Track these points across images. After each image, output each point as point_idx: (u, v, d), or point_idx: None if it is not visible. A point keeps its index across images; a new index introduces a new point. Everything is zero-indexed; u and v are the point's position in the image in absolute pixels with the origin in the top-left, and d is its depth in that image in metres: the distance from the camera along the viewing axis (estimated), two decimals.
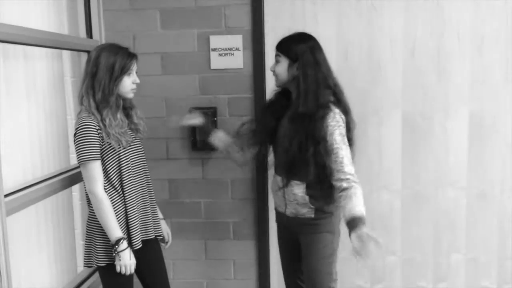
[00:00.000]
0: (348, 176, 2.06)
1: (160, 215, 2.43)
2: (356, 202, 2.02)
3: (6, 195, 1.94)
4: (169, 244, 2.48)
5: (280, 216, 2.36)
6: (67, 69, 2.76)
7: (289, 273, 2.46)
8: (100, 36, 2.80)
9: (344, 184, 2.05)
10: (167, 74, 2.87)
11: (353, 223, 1.97)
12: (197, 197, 2.95)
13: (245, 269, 3.01)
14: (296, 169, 2.17)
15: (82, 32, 2.77)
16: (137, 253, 2.20)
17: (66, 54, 2.74)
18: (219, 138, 2.47)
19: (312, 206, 2.19)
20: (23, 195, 2.10)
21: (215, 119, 2.84)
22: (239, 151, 2.43)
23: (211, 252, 3.01)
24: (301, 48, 2.14)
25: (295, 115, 2.14)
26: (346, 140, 2.12)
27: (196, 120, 2.51)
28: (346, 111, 2.18)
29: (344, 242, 2.33)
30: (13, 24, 2.05)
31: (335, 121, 2.10)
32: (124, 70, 2.13)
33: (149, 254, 2.32)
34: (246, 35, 2.80)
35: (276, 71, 2.21)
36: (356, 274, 2.96)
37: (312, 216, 2.20)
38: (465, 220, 2.89)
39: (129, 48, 2.20)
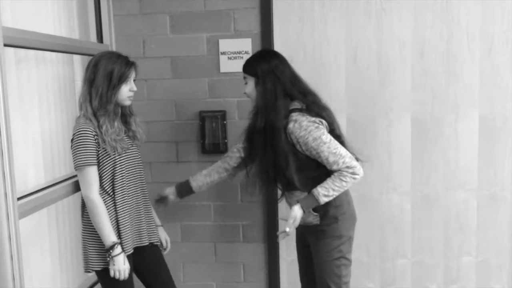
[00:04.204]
0: (340, 167, 2.11)
1: (158, 222, 2.45)
2: (326, 185, 2.11)
3: (19, 198, 1.96)
4: (167, 250, 2.48)
5: None
6: (78, 73, 2.78)
7: (305, 277, 2.47)
8: (111, 41, 2.83)
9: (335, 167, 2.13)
10: (177, 77, 2.89)
11: (306, 200, 2.15)
12: (206, 200, 2.96)
13: (255, 271, 3.01)
14: (281, 180, 2.23)
15: (93, 37, 2.80)
16: (136, 259, 2.23)
17: (77, 58, 2.76)
18: (205, 183, 2.48)
19: (316, 214, 2.21)
20: (36, 198, 2.12)
21: (225, 122, 2.85)
22: (226, 175, 2.47)
23: (221, 254, 3.02)
24: (261, 64, 2.19)
25: (255, 131, 2.19)
26: (325, 138, 2.11)
27: (171, 196, 2.49)
28: (319, 113, 2.17)
29: (355, 245, 2.34)
30: (25, 29, 2.07)
31: (303, 129, 2.10)
32: (122, 79, 2.14)
33: (149, 259, 2.33)
34: (255, 38, 2.81)
35: (246, 92, 2.26)
36: (366, 277, 2.96)
37: (318, 222, 2.22)
38: (476, 222, 2.88)
39: (129, 57, 2.20)
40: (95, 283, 2.70)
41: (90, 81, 2.12)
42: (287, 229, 2.16)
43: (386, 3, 2.76)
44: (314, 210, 2.20)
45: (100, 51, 2.23)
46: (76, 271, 2.78)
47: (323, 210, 2.20)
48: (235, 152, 2.44)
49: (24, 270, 1.88)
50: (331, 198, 2.14)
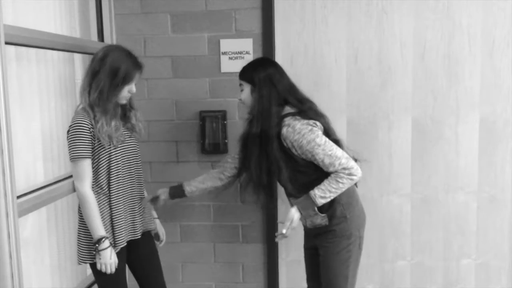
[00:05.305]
0: (336, 168, 2.10)
1: (154, 214, 2.47)
2: (323, 186, 2.11)
3: (18, 197, 1.96)
4: (163, 243, 2.50)
5: (304, 227, 2.40)
6: (79, 72, 2.78)
7: (311, 278, 2.47)
8: (112, 40, 2.83)
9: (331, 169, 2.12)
10: (178, 77, 2.89)
11: (303, 202, 2.14)
12: (206, 200, 2.95)
13: (254, 272, 3.01)
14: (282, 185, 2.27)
15: (94, 36, 2.80)
16: (130, 253, 2.25)
17: (78, 57, 2.76)
18: (197, 189, 2.48)
19: (323, 214, 2.21)
20: (35, 197, 2.12)
21: (225, 122, 2.85)
22: (220, 184, 2.47)
23: (220, 255, 3.02)
24: (258, 72, 2.21)
25: (249, 137, 2.20)
26: (319, 141, 2.10)
27: (163, 197, 2.46)
28: (314, 118, 2.18)
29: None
30: (26, 27, 2.07)
31: (297, 133, 2.11)
32: (126, 80, 2.11)
33: (143, 254, 2.35)
34: (256, 38, 2.81)
35: (242, 98, 2.28)
36: (365, 278, 2.95)
37: (327, 223, 2.22)
38: (476, 224, 2.88)
39: (138, 58, 2.18)
40: (94, 283, 2.70)
41: (93, 72, 2.10)
42: (284, 231, 2.16)
43: (387, 4, 2.76)
44: (321, 211, 2.20)
45: (110, 44, 2.20)
46: (75, 270, 2.78)
47: (331, 210, 2.20)
48: (230, 162, 2.45)
49: (23, 268, 1.87)
50: (328, 200, 2.13)
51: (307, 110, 2.20)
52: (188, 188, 2.46)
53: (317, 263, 2.33)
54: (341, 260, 2.23)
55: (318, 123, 2.17)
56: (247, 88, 2.24)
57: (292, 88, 2.24)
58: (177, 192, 2.47)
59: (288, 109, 2.19)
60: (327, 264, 2.26)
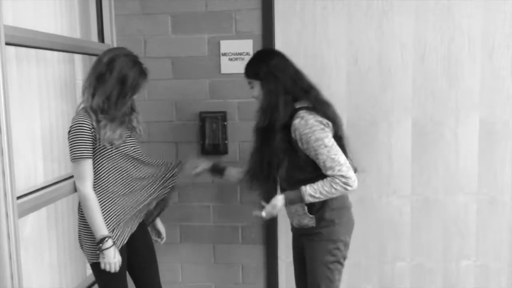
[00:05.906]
0: (334, 173, 2.10)
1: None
2: (316, 186, 2.09)
3: (18, 197, 1.96)
4: (164, 240, 2.51)
5: (291, 226, 2.40)
6: (79, 72, 2.78)
7: (299, 281, 2.47)
8: (112, 40, 2.83)
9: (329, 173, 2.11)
10: (178, 78, 2.89)
11: (292, 194, 2.14)
12: (206, 201, 2.96)
13: (254, 273, 3.01)
14: (279, 182, 2.27)
15: (94, 36, 2.80)
16: (129, 251, 2.27)
17: (78, 57, 2.76)
18: (232, 175, 2.51)
19: (311, 215, 2.21)
20: (35, 197, 2.12)
21: (225, 123, 2.85)
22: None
23: (220, 256, 3.02)
24: (262, 66, 2.20)
25: (257, 129, 2.22)
26: (327, 142, 2.10)
27: (202, 166, 2.53)
28: (325, 112, 2.18)
29: (352, 249, 2.34)
30: (27, 28, 2.07)
31: (308, 127, 2.10)
32: (136, 90, 2.13)
33: (142, 254, 2.36)
34: (257, 40, 2.81)
35: (255, 96, 2.26)
36: (364, 279, 2.96)
37: (314, 225, 2.22)
38: (475, 226, 2.88)
39: (143, 64, 2.19)
40: (94, 283, 2.70)
41: (99, 75, 2.10)
42: (264, 214, 2.18)
43: (388, 6, 2.76)
44: (310, 212, 2.20)
45: (116, 47, 2.20)
46: (75, 270, 2.78)
47: (320, 212, 2.20)
48: None
49: (23, 269, 1.87)
50: (316, 200, 2.13)
51: (315, 103, 2.18)
52: (227, 170, 2.51)
53: (304, 264, 2.33)
54: (326, 262, 2.22)
55: (330, 123, 2.16)
56: (257, 85, 2.23)
57: (297, 77, 2.23)
58: (218, 169, 2.53)
59: (302, 103, 2.18)
60: (312, 266, 2.26)
